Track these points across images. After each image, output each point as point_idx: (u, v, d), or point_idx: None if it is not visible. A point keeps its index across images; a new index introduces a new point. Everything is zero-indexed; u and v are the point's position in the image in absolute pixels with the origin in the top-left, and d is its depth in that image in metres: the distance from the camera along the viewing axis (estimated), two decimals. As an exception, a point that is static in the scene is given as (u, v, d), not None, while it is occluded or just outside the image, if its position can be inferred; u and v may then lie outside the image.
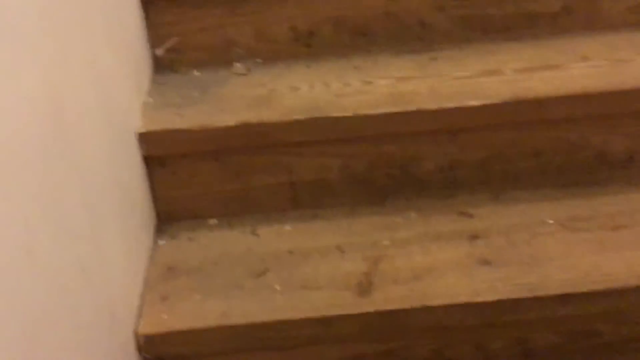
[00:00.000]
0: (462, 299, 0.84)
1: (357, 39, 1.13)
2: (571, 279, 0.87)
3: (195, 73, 1.11)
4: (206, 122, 0.96)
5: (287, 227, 1.00)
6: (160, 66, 1.11)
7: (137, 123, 0.96)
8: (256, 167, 1.00)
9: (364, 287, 0.86)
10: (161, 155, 0.98)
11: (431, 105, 0.97)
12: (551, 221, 0.97)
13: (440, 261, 0.91)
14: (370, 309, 0.83)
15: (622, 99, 0.97)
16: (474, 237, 0.95)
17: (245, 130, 0.96)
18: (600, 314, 0.88)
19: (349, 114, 0.96)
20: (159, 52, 1.11)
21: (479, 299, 0.84)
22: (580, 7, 1.12)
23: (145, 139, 0.95)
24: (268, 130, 0.96)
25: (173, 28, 1.11)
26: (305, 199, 1.03)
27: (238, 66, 1.11)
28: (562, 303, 0.85)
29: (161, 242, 0.96)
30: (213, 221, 1.00)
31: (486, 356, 0.90)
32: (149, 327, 0.83)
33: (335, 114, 0.96)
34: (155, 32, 1.11)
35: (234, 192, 1.02)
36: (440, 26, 1.13)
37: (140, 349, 0.83)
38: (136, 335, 0.82)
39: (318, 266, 0.91)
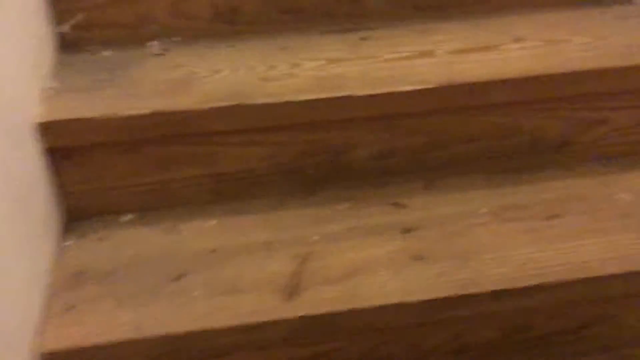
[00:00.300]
0: (395, 299, 0.79)
1: (284, 16, 1.04)
2: (505, 273, 0.83)
3: (106, 53, 0.99)
4: (116, 109, 0.86)
5: (211, 223, 0.92)
6: (66, 45, 0.99)
7: (35, 111, 0.85)
8: (175, 158, 0.91)
9: (292, 289, 0.79)
10: (67, 146, 0.87)
11: (362, 90, 0.90)
12: (485, 210, 0.93)
13: (372, 257, 0.85)
14: (297, 314, 0.76)
15: (558, 83, 0.92)
16: (407, 230, 0.90)
17: (160, 118, 0.86)
18: (534, 308, 0.84)
19: (275, 100, 0.88)
20: (64, 29, 0.99)
21: (412, 299, 0.79)
22: (514, -18, 1.08)
23: (46, 129, 0.84)
24: (186, 119, 0.87)
25: (80, 2, 1.00)
26: (230, 192, 0.94)
27: (154, 45, 1.01)
28: (496, 299, 0.81)
29: (68, 243, 0.86)
30: (128, 217, 0.91)
31: (421, 354, 0.86)
32: (52, 343, 0.73)
33: (260, 101, 0.88)
34: (59, 6, 0.99)
35: (150, 185, 0.92)
36: (371, 3, 1.06)
37: (42, 368, 0.74)
38: (37, 353, 0.73)
39: (242, 267, 0.83)
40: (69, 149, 0.87)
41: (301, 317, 0.76)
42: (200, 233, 0.90)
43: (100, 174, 0.90)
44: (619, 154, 1.02)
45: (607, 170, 0.99)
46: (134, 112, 0.85)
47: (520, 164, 1.00)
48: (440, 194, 0.96)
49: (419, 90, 0.90)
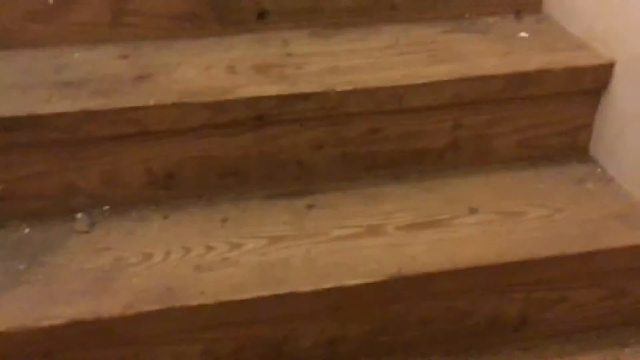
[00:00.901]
0: None
1: (224, 180, 0.96)
2: None
3: (27, 230, 0.89)
4: (28, 319, 0.75)
5: None
6: (-18, 222, 0.90)
7: None
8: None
9: None
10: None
11: (306, 285, 0.81)
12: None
13: None
14: None
15: (513, 271, 0.86)
16: None
17: (80, 328, 0.76)
18: None
19: (209, 300, 0.79)
20: (-20, 202, 0.90)
21: None
22: (469, 142, 1.00)
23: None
24: (110, 327, 0.76)
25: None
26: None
27: (80, 219, 0.90)
28: None
29: None
30: None
31: None
32: None
33: (193, 301, 0.78)
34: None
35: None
36: (319, 165, 0.98)
37: None
38: None
39: None
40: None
41: None
42: None
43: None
44: (579, 330, 0.96)
45: (564, 352, 0.94)
46: (48, 322, 0.75)
47: (477, 343, 0.92)
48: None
49: (366, 284, 0.82)
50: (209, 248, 0.87)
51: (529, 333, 0.94)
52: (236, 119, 0.90)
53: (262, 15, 1.06)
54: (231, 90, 0.90)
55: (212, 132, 0.92)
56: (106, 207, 0.93)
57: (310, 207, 0.95)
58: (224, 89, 0.91)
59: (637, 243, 0.88)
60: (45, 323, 0.75)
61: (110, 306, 0.77)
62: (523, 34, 1.06)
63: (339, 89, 0.92)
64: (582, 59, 0.98)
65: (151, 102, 0.86)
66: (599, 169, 1.02)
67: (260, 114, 0.91)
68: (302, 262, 0.85)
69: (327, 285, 0.81)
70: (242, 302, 0.80)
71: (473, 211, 0.93)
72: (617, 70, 0.97)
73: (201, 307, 0.79)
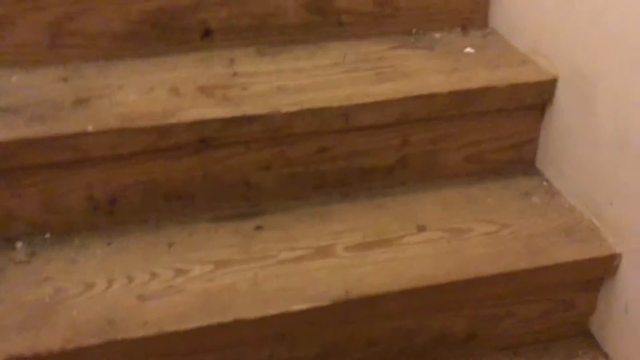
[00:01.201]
0: None
1: (170, 203, 0.93)
2: None
3: (-38, 262, 0.87)
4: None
5: None
6: None
7: None
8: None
9: None
10: None
11: (252, 311, 0.79)
12: None
13: None
14: None
15: (461, 290, 0.86)
16: None
17: (16, 366, 0.74)
18: None
19: (152, 331, 0.76)
20: None
21: None
22: (416, 159, 1.00)
23: None
24: (47, 363, 0.75)
25: None
26: None
27: (19, 249, 0.87)
28: None
29: None
30: None
31: None
32: None
33: (134, 334, 0.76)
34: None
35: None
36: (267, 186, 0.96)
37: None
38: None
39: None
40: None
41: None
42: None
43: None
44: (527, 343, 0.96)
45: (514, 365, 0.95)
46: (-18, 363, 0.73)
47: (428, 359, 0.94)
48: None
49: (312, 309, 0.81)
50: (154, 275, 0.85)
51: (478, 348, 0.94)
52: (179, 143, 0.88)
53: (207, 33, 1.04)
54: (174, 113, 0.88)
55: (155, 156, 0.89)
56: (47, 235, 0.90)
57: (258, 228, 0.93)
58: (167, 112, 0.88)
59: (581, 258, 0.89)
60: (-21, 364, 0.72)
61: (48, 341, 0.75)
62: (469, 50, 1.06)
63: (284, 110, 0.90)
64: (525, 75, 0.98)
65: (90, 129, 0.84)
66: (545, 182, 1.03)
67: (204, 138, 0.89)
68: (249, 287, 0.83)
69: (273, 311, 0.80)
70: (187, 332, 0.78)
71: (421, 229, 0.93)
72: (560, 85, 0.98)
73: (144, 339, 0.77)
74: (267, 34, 1.07)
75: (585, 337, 0.98)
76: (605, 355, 0.95)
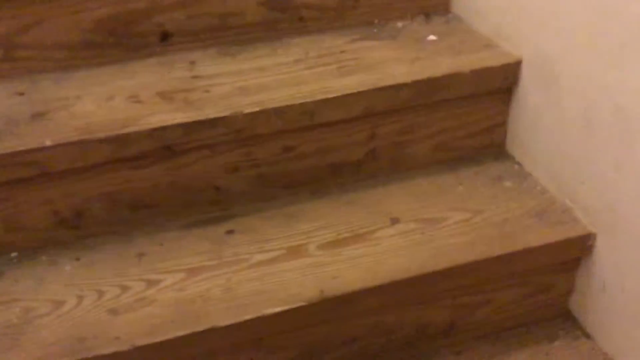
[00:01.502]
0: None
1: (138, 213, 0.91)
2: None
3: None
4: None
5: None
6: None
7: None
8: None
9: None
10: None
11: (226, 318, 0.77)
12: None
13: None
14: None
15: (436, 281, 0.85)
16: None
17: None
18: None
19: (124, 347, 0.74)
20: None
21: None
22: (385, 151, 0.98)
23: None
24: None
25: None
26: None
27: (-15, 270, 0.86)
28: None
29: None
30: None
31: None
32: None
33: (106, 350, 0.74)
34: None
35: None
36: (236, 188, 0.94)
37: None
38: None
39: None
40: None
41: None
42: None
43: None
44: (508, 328, 0.95)
45: (495, 351, 0.93)
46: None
47: (409, 353, 0.92)
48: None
49: (288, 311, 0.80)
50: (124, 288, 0.82)
51: (459, 337, 0.93)
52: (142, 152, 0.86)
53: (165, 36, 1.02)
54: (134, 121, 0.86)
55: (119, 167, 0.87)
56: (14, 254, 0.87)
57: (229, 232, 0.91)
58: (127, 120, 0.86)
59: (555, 240, 0.88)
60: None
61: (17, 365, 0.73)
62: (432, 37, 1.04)
63: (247, 111, 0.88)
64: (489, 60, 0.96)
65: (48, 143, 0.81)
66: (516, 166, 1.01)
67: (167, 144, 0.86)
68: (222, 293, 0.81)
69: (248, 316, 0.78)
70: (161, 344, 0.76)
71: (394, 221, 0.92)
72: (525, 68, 0.97)
73: (116, 355, 0.74)
74: (227, 33, 1.04)
75: (566, 317, 0.97)
76: (587, 335, 0.94)
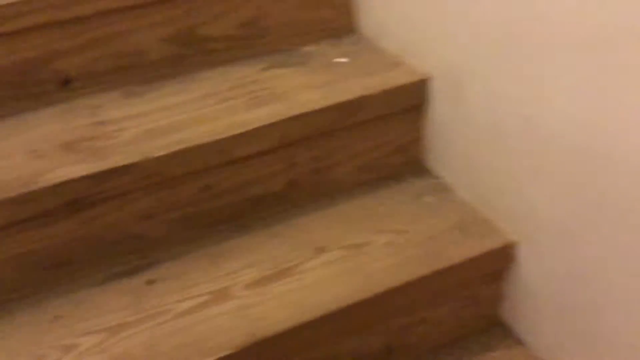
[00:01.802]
0: None
1: (53, 272, 0.85)
2: None
3: None
4: None
5: None
6: None
7: None
8: None
9: None
10: None
11: (150, 377, 0.75)
12: None
13: None
14: None
15: (367, 306, 0.83)
16: None
17: None
18: None
19: None
20: None
21: None
22: (306, 179, 0.96)
23: None
24: None
25: None
26: None
27: None
28: None
29: None
30: None
31: None
32: None
33: None
34: None
35: None
36: (154, 234, 0.90)
37: None
38: None
39: None
40: None
41: None
42: None
43: None
44: (446, 343, 0.94)
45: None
46: None
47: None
48: None
49: (218, 360, 0.77)
50: (40, 358, 0.77)
51: (400, 356, 0.92)
52: (48, 209, 0.80)
53: (67, 82, 0.96)
54: (36, 178, 0.80)
55: (25, 227, 0.81)
56: None
57: (150, 282, 0.86)
58: (27, 178, 0.80)
59: (479, 253, 0.88)
60: None
61: None
62: (342, 59, 1.03)
63: (157, 154, 0.84)
64: (398, 79, 0.96)
65: (-60, 211, 0.76)
66: (435, 180, 1.01)
67: (74, 199, 0.81)
68: (144, 350, 0.77)
69: (174, 372, 0.75)
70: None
71: (319, 251, 0.89)
72: (434, 84, 0.97)
73: None
74: (132, 73, 1.00)
75: (500, 327, 0.97)
76: (520, 342, 0.94)
